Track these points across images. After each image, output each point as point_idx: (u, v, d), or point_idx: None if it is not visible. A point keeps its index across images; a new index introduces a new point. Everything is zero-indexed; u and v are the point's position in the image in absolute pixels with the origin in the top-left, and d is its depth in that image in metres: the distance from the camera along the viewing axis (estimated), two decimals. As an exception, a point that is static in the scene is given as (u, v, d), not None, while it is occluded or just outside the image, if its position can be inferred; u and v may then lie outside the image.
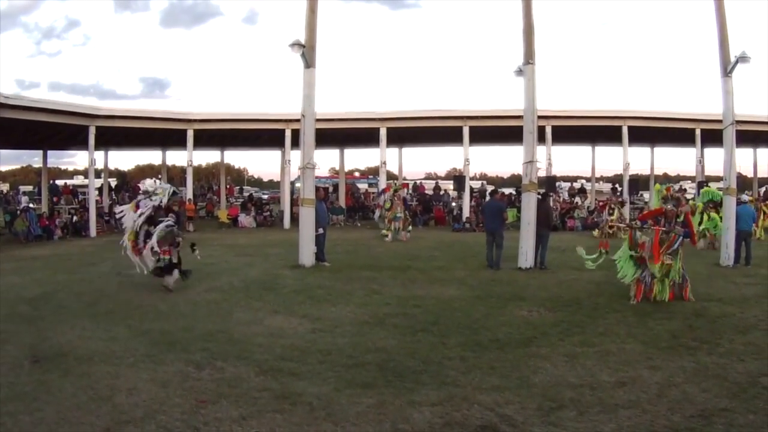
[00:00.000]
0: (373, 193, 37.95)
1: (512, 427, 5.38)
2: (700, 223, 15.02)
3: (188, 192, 28.75)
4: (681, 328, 8.85)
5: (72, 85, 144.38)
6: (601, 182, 44.69)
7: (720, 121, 16.54)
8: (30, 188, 43.12)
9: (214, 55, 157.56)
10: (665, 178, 49.67)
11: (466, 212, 28.20)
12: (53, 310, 10.22)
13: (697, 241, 12.32)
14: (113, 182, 39.37)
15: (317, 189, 16.26)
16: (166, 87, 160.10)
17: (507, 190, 40.06)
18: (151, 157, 74.21)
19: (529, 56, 15.26)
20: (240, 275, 13.80)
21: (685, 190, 36.29)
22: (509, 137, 28.68)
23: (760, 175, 36.45)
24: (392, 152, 34.65)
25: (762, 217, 22.31)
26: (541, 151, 20.12)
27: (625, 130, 28.15)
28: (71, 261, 16.80)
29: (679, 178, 53.21)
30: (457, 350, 7.75)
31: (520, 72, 15.66)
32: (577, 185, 42.96)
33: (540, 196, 15.82)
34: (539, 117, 16.49)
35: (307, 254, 15.11)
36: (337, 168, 38.78)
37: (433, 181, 46.28)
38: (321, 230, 15.47)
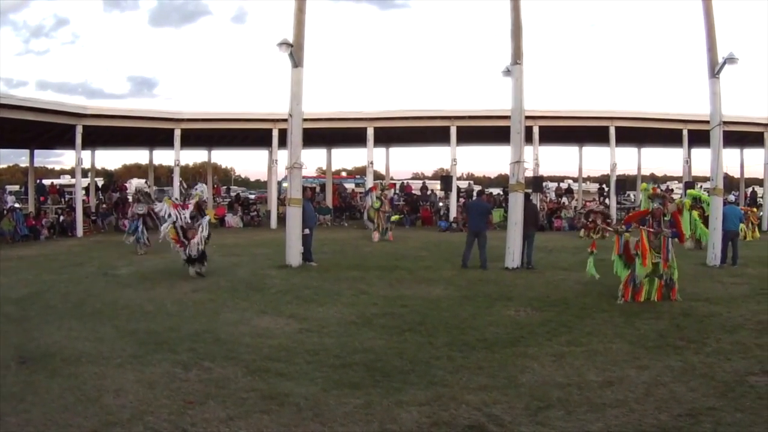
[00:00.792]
0: (360, 193, 37.94)
1: (500, 426, 5.38)
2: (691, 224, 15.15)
3: (175, 192, 28.58)
4: (668, 327, 8.89)
5: (60, 83, 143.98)
6: (588, 182, 44.79)
7: (707, 122, 16.64)
8: (17, 188, 42.79)
9: (202, 54, 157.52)
10: (652, 179, 49.79)
11: (453, 212, 28.23)
12: (40, 311, 10.14)
13: (685, 240, 12.31)
14: (100, 182, 39.13)
15: (304, 189, 16.24)
16: (154, 86, 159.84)
17: (494, 191, 40.25)
18: (138, 156, 74.08)
19: (517, 56, 15.29)
20: (227, 275, 13.76)
21: (672, 190, 36.58)
22: (497, 137, 28.68)
23: (747, 175, 36.64)
24: (379, 152, 34.68)
25: (749, 225, 22.35)
26: (528, 151, 20.09)
27: (612, 131, 28.18)
28: (58, 261, 16.67)
29: (666, 179, 53.54)
30: (445, 350, 7.75)
31: (507, 72, 15.69)
32: (564, 185, 43.08)
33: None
34: (527, 117, 16.49)
35: (294, 254, 15.10)
36: (324, 168, 38.79)
37: (420, 181, 46.30)
38: (308, 230, 15.45)
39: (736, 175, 37.18)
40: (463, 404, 5.87)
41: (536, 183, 26.78)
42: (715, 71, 15.81)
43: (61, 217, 26.84)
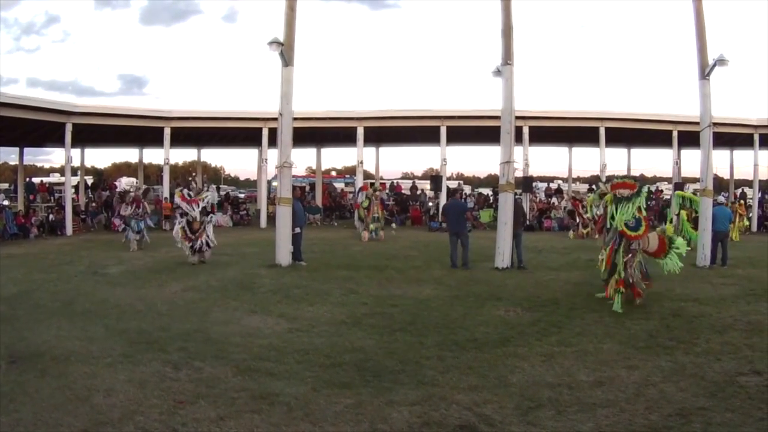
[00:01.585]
0: (350, 192, 37.94)
1: (490, 426, 5.38)
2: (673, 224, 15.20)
3: (165, 190, 28.53)
4: (658, 327, 8.92)
5: (50, 81, 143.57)
6: (578, 183, 44.94)
7: (697, 123, 16.72)
8: (6, 186, 42.58)
9: (192, 53, 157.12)
10: (642, 179, 49.87)
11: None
12: (29, 310, 10.07)
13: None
14: (90, 180, 38.98)
15: (294, 188, 16.21)
16: (145, 85, 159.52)
17: (484, 191, 40.31)
18: (127, 154, 74.09)
19: (507, 57, 15.31)
20: (217, 274, 13.72)
21: (661, 191, 36.77)
22: (486, 137, 28.72)
23: (736, 177, 36.83)
24: (369, 152, 34.77)
25: (737, 218, 22.57)
26: (518, 151, 20.13)
27: (602, 132, 28.26)
28: (47, 260, 16.59)
29: (656, 179, 53.69)
30: (435, 350, 7.75)
31: (498, 72, 15.71)
32: (554, 186, 43.19)
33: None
34: (517, 117, 16.51)
35: (283, 254, 15.07)
36: (314, 167, 38.76)
37: (410, 181, 46.36)
38: (298, 229, 15.44)
39: (726, 176, 37.40)
40: (454, 404, 5.87)
41: (526, 183, 26.85)
42: (705, 73, 15.90)
43: (51, 216, 26.67)
